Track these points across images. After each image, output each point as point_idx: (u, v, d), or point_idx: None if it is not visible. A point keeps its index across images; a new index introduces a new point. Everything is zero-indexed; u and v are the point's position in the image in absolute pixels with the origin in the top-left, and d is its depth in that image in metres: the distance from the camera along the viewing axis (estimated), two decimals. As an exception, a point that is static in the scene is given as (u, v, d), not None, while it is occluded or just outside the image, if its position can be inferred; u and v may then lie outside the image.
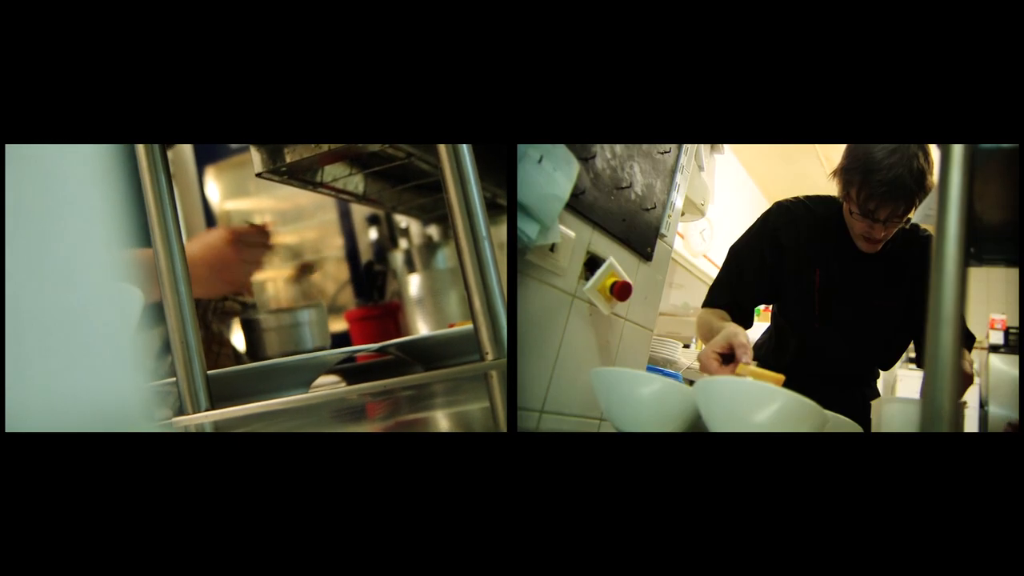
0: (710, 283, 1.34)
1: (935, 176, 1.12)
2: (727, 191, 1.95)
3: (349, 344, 2.34)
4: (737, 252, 1.31)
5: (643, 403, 0.83)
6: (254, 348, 1.61)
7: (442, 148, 1.01)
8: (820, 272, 1.26)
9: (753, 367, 0.92)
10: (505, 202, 2.04)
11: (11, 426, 0.45)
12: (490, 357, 1.05)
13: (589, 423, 1.07)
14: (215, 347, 1.75)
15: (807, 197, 1.30)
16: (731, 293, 1.27)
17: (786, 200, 1.31)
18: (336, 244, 3.27)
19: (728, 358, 0.95)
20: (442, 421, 0.79)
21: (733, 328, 1.00)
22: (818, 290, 1.27)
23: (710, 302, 1.28)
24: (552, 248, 0.92)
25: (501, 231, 1.99)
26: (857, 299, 1.27)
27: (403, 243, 2.92)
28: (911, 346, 1.41)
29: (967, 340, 1.24)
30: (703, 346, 1.06)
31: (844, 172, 1.16)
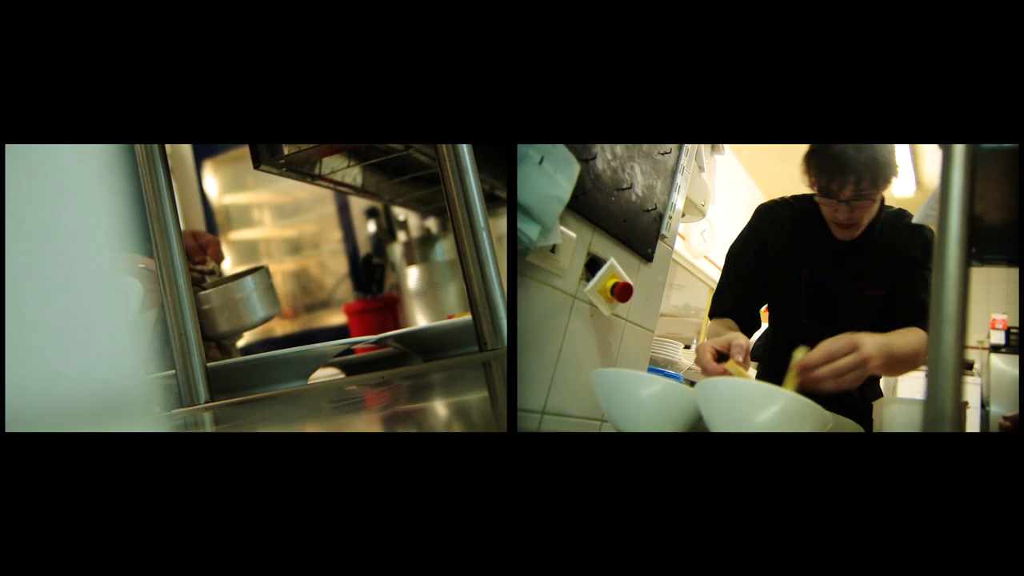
0: (711, 284, 1.35)
1: (895, 154, 1.12)
2: (727, 191, 1.95)
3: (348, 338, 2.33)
4: (731, 258, 1.33)
5: (644, 404, 0.83)
6: (201, 329, 1.48)
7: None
8: (807, 267, 1.27)
9: (740, 369, 0.94)
10: (503, 194, 2.04)
11: (11, 419, 0.45)
12: (489, 347, 1.05)
13: (590, 424, 1.07)
14: None
15: (792, 196, 1.31)
16: (732, 299, 1.29)
17: (770, 200, 1.33)
18: (335, 237, 3.27)
19: (725, 357, 0.97)
20: (441, 411, 0.79)
21: (738, 334, 1.03)
22: (805, 285, 1.28)
23: (714, 313, 1.29)
24: (553, 249, 0.92)
25: (499, 223, 1.98)
26: (845, 291, 1.27)
27: (401, 236, 2.90)
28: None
29: None
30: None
31: (804, 160, 1.18)
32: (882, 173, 1.12)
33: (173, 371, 1.12)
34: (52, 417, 0.47)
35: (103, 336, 0.49)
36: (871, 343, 0.91)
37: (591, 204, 1.01)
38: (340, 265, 3.23)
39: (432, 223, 2.84)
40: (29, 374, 0.46)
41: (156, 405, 1.13)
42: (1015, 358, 2.25)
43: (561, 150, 0.84)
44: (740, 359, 0.96)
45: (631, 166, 1.13)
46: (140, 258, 1.31)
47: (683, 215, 1.40)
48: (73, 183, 0.47)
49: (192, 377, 1.11)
